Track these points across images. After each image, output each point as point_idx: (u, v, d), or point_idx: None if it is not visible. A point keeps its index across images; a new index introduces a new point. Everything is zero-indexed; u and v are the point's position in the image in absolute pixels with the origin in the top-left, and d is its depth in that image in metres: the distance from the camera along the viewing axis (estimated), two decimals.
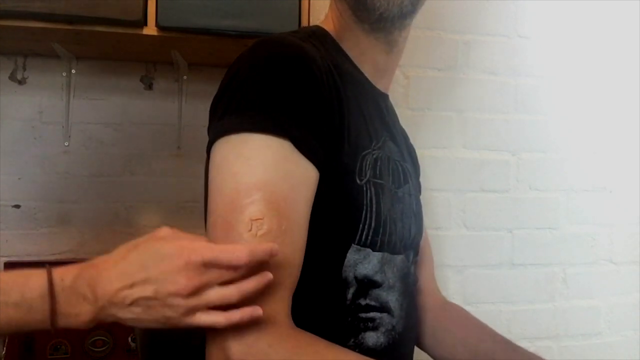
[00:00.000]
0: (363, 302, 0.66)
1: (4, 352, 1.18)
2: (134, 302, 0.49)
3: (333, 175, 0.62)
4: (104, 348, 1.25)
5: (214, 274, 0.50)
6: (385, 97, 0.80)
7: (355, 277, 0.65)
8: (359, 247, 0.65)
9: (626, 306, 1.60)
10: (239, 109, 0.58)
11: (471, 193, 1.48)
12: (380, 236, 0.67)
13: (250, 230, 0.54)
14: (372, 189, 0.66)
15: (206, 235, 0.58)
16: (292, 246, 0.57)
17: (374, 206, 0.66)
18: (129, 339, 1.25)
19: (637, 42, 1.59)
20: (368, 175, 0.66)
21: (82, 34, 1.04)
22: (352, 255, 0.65)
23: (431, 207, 1.42)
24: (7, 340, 1.18)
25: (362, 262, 0.66)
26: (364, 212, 0.65)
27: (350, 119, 0.66)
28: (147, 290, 0.49)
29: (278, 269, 0.54)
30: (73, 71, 1.27)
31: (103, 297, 0.49)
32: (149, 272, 0.49)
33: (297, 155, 0.58)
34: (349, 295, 0.65)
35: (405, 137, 0.88)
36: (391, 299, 0.69)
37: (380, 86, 0.78)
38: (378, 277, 0.67)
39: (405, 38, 0.77)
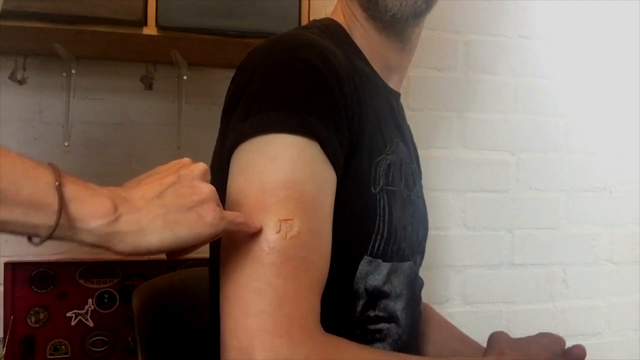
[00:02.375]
0: (372, 313, 0.64)
1: (4, 352, 1.18)
2: (160, 193, 0.45)
3: (348, 182, 0.59)
4: (104, 348, 1.25)
5: None
6: (396, 95, 0.78)
7: (366, 289, 0.63)
8: (371, 258, 0.63)
9: (626, 306, 1.60)
10: (262, 110, 0.55)
11: (471, 193, 1.48)
12: (390, 245, 0.65)
13: (278, 231, 0.49)
14: (385, 197, 0.64)
15: (223, 243, 0.54)
16: (321, 250, 0.53)
17: (386, 215, 0.63)
18: (129, 339, 1.25)
19: (637, 42, 1.59)
20: (381, 183, 0.64)
21: (82, 34, 1.04)
22: (364, 266, 0.63)
23: (431, 207, 1.41)
24: (7, 340, 1.18)
25: (373, 273, 0.64)
26: (377, 222, 0.62)
27: (367, 122, 0.63)
28: (170, 179, 0.46)
29: (307, 274, 0.50)
30: (73, 71, 1.27)
31: (123, 191, 0.45)
32: (165, 174, 0.47)
33: (323, 156, 0.55)
34: (359, 308, 0.64)
35: (411, 136, 0.86)
36: (398, 308, 0.68)
37: (391, 84, 0.77)
38: (386, 288, 0.65)
39: (418, 35, 0.75)
